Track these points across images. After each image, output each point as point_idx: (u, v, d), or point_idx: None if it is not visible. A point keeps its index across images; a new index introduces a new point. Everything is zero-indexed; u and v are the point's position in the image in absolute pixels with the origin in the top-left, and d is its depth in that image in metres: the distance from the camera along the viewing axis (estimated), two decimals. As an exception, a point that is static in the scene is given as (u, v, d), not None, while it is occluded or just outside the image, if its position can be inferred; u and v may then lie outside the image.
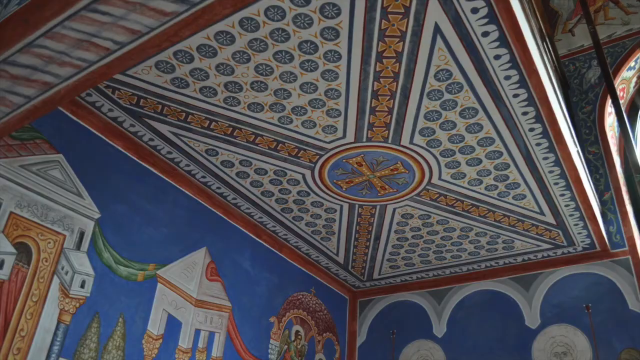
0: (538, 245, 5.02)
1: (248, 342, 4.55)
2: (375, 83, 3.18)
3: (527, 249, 5.10)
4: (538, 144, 3.64)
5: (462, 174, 4.03)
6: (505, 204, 4.36)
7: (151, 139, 3.81)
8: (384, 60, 3.02)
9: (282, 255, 5.27)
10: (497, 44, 2.86)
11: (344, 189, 4.32)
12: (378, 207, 4.58)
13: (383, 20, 2.77)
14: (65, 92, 2.52)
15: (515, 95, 3.22)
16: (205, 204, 4.42)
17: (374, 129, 3.59)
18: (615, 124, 5.84)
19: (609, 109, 5.76)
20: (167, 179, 4.09)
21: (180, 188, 4.20)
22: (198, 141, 3.81)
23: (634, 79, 6.02)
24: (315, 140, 3.72)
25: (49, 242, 3.15)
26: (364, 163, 3.98)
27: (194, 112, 3.51)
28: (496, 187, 4.16)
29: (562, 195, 4.17)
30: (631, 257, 4.86)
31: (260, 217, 4.80)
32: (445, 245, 5.14)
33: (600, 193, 5.24)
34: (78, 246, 3.31)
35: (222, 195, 4.48)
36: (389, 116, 3.46)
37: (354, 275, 5.88)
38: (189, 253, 4.16)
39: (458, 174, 4.04)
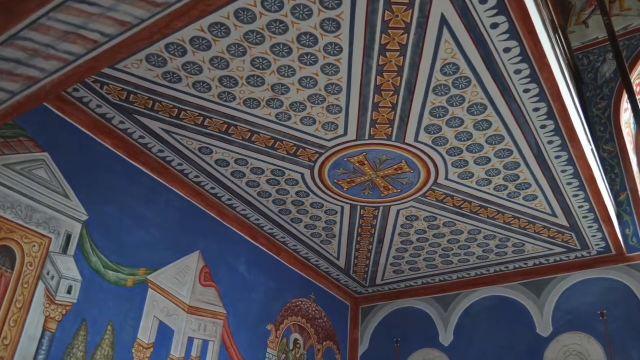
0: (550, 249, 5.02)
1: (244, 351, 4.55)
2: (378, 78, 3.18)
3: (539, 252, 5.10)
4: (550, 142, 3.64)
5: (470, 174, 4.03)
6: (516, 205, 4.37)
7: (142, 137, 3.81)
8: (388, 54, 3.02)
9: (280, 260, 5.27)
10: (507, 36, 2.86)
11: (345, 190, 4.32)
12: (381, 208, 4.58)
13: (386, 12, 2.77)
14: (51, 87, 2.52)
15: (526, 91, 3.23)
16: (198, 205, 4.42)
17: (377, 126, 3.59)
18: (632, 120, 5.84)
19: (625, 104, 5.76)
20: (158, 178, 4.09)
21: (173, 188, 4.20)
22: (191, 139, 3.81)
23: (652, 74, 6.02)
24: (315, 138, 3.72)
25: (34, 246, 3.15)
26: (366, 162, 3.98)
27: (187, 108, 3.51)
28: (506, 187, 4.16)
29: (576, 196, 4.17)
30: (648, 261, 4.88)
31: (257, 219, 4.80)
32: (452, 249, 5.14)
33: (615, 194, 5.24)
34: (65, 250, 3.31)
35: (216, 196, 4.48)
36: (393, 113, 3.46)
37: (356, 280, 5.88)
38: (182, 257, 4.16)
39: (466, 174, 4.04)
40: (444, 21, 2.82)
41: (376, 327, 6.03)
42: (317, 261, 5.50)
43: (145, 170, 4.00)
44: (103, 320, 3.43)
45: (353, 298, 6.25)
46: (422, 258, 5.34)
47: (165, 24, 2.27)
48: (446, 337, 5.55)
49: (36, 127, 3.29)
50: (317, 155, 3.91)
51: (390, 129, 3.61)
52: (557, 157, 3.78)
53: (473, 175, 4.04)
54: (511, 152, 3.78)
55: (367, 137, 3.71)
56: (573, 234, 4.73)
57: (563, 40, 4.71)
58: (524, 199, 4.28)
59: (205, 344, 4.18)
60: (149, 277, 3.84)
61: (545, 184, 4.08)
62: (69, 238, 3.35)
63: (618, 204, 5.18)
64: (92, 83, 3.33)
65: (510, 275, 5.44)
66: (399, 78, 3.18)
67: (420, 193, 4.32)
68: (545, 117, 3.42)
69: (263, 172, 4.13)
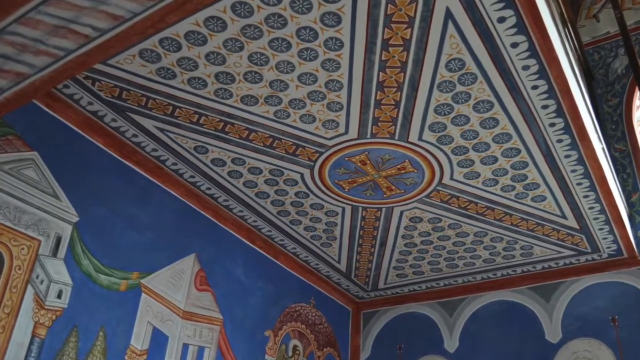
0: (559, 252, 5.02)
1: (241, 357, 4.55)
2: (381, 74, 3.18)
3: (548, 255, 5.10)
4: (559, 141, 3.64)
5: (476, 174, 4.03)
6: (524, 206, 4.37)
7: (135, 135, 3.81)
8: (390, 49, 3.02)
9: (279, 263, 5.27)
10: (514, 30, 2.86)
11: (346, 190, 4.32)
12: (384, 209, 4.58)
13: (389, 5, 2.77)
14: (40, 84, 2.52)
15: (535, 87, 3.23)
16: (194, 206, 4.42)
17: (379, 124, 3.59)
18: (644, 118, 5.84)
19: (638, 101, 5.77)
20: (152, 178, 4.09)
21: (167, 189, 4.20)
22: (186, 137, 3.81)
23: (665, 69, 6.02)
24: (315, 136, 3.72)
25: (23, 248, 3.15)
26: (368, 161, 3.98)
27: (181, 105, 3.51)
28: (513, 187, 4.16)
29: (586, 196, 4.17)
30: (661, 264, 4.88)
31: (255, 221, 4.80)
32: (458, 252, 5.14)
33: (627, 194, 5.24)
34: (54, 253, 3.31)
35: (212, 197, 4.48)
36: (396, 110, 3.46)
37: (357, 284, 5.88)
38: (176, 260, 4.16)
39: (471, 174, 4.04)
40: (448, 15, 2.82)
41: (378, 333, 6.03)
42: (317, 264, 5.50)
43: (139, 170, 4.00)
44: (94, 326, 3.43)
45: (354, 303, 6.25)
46: (426, 261, 5.34)
47: (159, 18, 2.28)
48: (451, 344, 5.55)
49: (25, 125, 3.29)
50: (317, 155, 3.91)
51: (393, 127, 3.61)
52: (567, 156, 3.78)
53: (479, 175, 4.04)
54: (519, 151, 3.78)
55: (369, 136, 3.71)
56: (583, 236, 4.73)
57: (573, 34, 4.71)
58: (532, 199, 4.28)
59: (200, 350, 4.18)
60: (142, 281, 3.83)
61: (555, 184, 4.08)
62: (59, 240, 3.35)
63: (630, 205, 5.18)
64: (83, 79, 3.33)
65: (518, 279, 5.44)
66: (402, 74, 3.18)
67: (424, 194, 4.31)
68: (554, 114, 3.42)
69: (261, 171, 4.14)
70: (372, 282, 5.80)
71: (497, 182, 4.11)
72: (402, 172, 4.08)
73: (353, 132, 3.67)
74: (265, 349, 4.86)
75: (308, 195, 4.40)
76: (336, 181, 4.22)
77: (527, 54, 3.00)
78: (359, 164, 4.01)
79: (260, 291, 4.94)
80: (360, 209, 4.58)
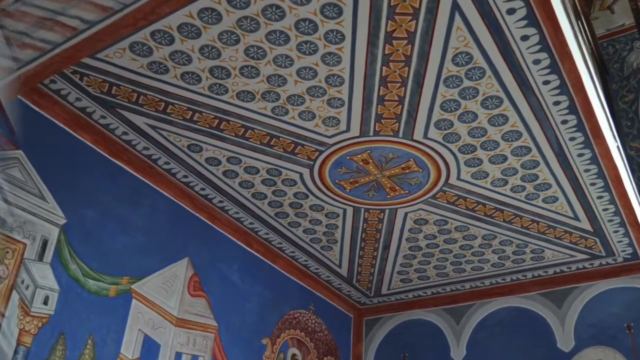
0: (572, 256, 5.02)
1: (237, 367, 4.56)
2: (384, 68, 3.19)
3: (560, 259, 5.10)
4: (572, 139, 3.64)
5: (485, 173, 4.04)
6: (534, 207, 4.37)
7: (125, 133, 3.81)
8: (394, 42, 3.03)
9: (276, 267, 5.28)
10: (524, 22, 2.86)
11: (347, 191, 4.32)
12: (387, 211, 4.58)
13: (393, -4, 2.78)
14: (25, 79, 2.52)
15: (546, 82, 3.23)
16: (187, 208, 4.42)
17: (382, 121, 3.59)
18: (661, 115, 5.84)
19: (654, 98, 5.77)
20: (143, 178, 4.09)
21: (159, 189, 4.20)
22: (179, 135, 3.81)
23: (683, 64, 6.02)
24: (315, 134, 3.73)
25: (7, 252, 3.15)
26: (370, 160, 3.98)
27: (174, 101, 3.51)
28: (524, 188, 4.16)
29: (600, 197, 4.17)
30: (679, 269, 4.88)
31: (251, 223, 4.81)
32: (465, 256, 5.14)
33: (643, 195, 5.25)
34: (40, 256, 3.31)
35: (206, 198, 4.48)
36: (400, 106, 3.46)
37: (359, 290, 5.88)
38: (169, 264, 4.16)
39: (479, 173, 4.04)
40: (455, 6, 2.82)
41: (381, 341, 6.03)
42: (316, 269, 5.50)
43: (129, 170, 4.00)
44: (83, 334, 3.43)
45: (356, 309, 6.25)
46: (432, 265, 5.34)
47: (150, 9, 2.28)
48: (458, 352, 5.55)
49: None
50: (317, 153, 3.92)
51: (397, 124, 3.61)
52: (580, 155, 3.78)
53: (487, 174, 4.05)
54: (529, 150, 3.79)
55: (371, 133, 3.71)
56: (597, 239, 4.73)
57: (586, 27, 4.72)
58: (543, 200, 4.28)
59: (194, 359, 4.19)
60: (133, 286, 3.84)
61: (567, 185, 4.09)
62: (45, 243, 3.35)
63: (646, 207, 5.18)
64: (71, 74, 3.33)
65: (528, 284, 5.44)
66: (407, 68, 3.18)
67: (430, 194, 4.32)
68: (567, 111, 3.42)
69: (258, 171, 4.14)
70: (374, 287, 5.80)
71: (506, 182, 4.12)
72: (407, 171, 4.08)
73: (355, 129, 3.68)
74: (263, 358, 4.86)
75: (307, 196, 4.40)
76: (337, 181, 4.22)
77: (538, 47, 3.00)
78: (361, 163, 4.02)
79: (257, 297, 4.94)
80: (362, 210, 4.58)
